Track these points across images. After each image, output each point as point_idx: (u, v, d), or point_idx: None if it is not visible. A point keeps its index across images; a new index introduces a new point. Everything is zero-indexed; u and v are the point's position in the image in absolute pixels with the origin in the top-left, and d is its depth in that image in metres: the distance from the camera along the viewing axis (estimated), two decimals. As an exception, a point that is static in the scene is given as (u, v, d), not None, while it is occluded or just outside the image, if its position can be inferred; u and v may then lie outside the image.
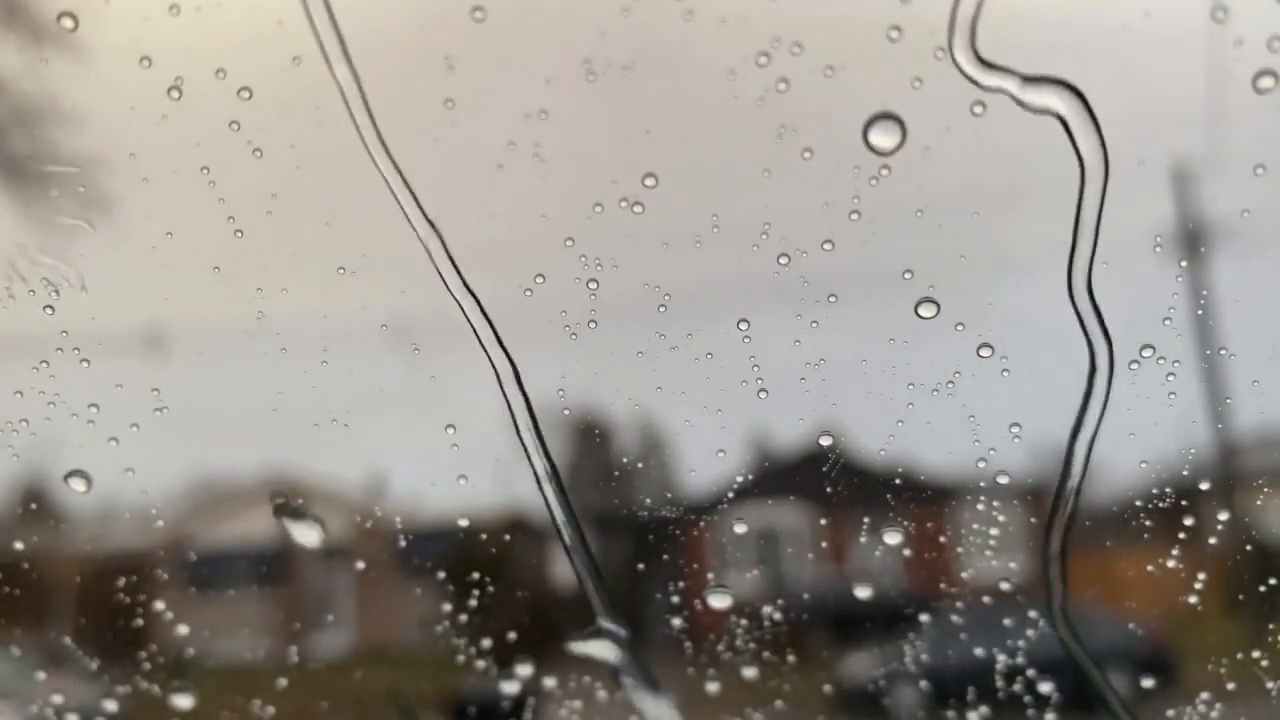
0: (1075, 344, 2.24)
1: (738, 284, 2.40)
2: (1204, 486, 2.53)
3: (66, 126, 2.31)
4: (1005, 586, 2.86)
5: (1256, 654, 2.76)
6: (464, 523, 2.84)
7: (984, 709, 3.11)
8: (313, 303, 2.27)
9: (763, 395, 2.47)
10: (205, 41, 2.02)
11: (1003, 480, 2.69)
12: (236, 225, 2.23)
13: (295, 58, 2.05)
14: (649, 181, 2.24)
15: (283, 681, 3.28)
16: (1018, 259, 2.41)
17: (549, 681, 3.09)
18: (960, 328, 2.33)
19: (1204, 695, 2.64)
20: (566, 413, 2.59)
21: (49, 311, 2.41)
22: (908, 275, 2.31)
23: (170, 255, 2.29)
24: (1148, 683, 3.00)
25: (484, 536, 3.03)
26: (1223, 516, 2.66)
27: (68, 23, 2.01)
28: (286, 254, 2.29)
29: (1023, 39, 2.00)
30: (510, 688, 2.98)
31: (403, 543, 3.24)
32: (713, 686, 3.17)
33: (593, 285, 2.33)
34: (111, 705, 3.07)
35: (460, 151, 2.22)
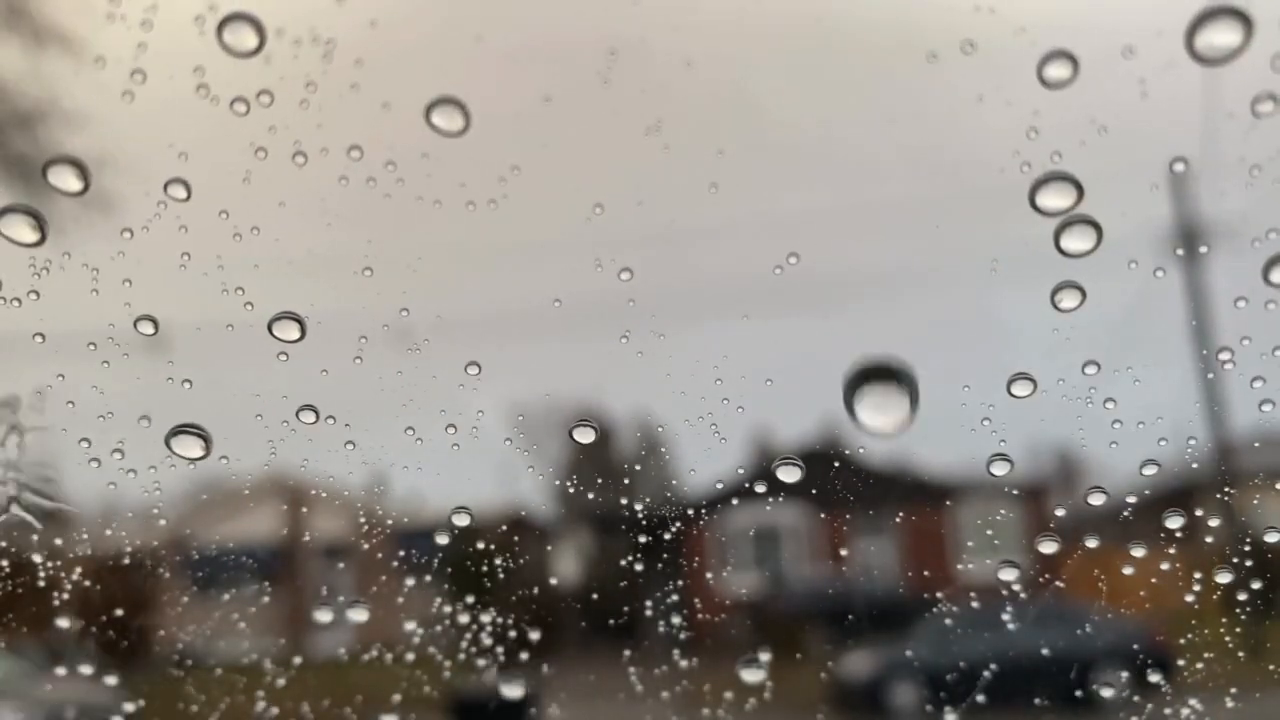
0: (1075, 343, 2.24)
1: (738, 284, 2.41)
2: (1204, 486, 2.53)
3: (66, 126, 2.32)
4: (1005, 585, 2.86)
5: (1256, 653, 2.76)
6: (464, 522, 2.84)
7: (983, 708, 3.11)
8: (313, 303, 2.27)
9: (763, 395, 2.47)
10: (207, 42, 2.02)
11: (1004, 480, 2.70)
12: (238, 225, 2.23)
13: (296, 56, 2.06)
14: (649, 181, 2.24)
15: (283, 681, 3.28)
16: (1019, 262, 2.41)
17: (549, 681, 3.09)
18: (963, 326, 2.34)
19: (1203, 694, 2.64)
20: (553, 417, 2.60)
21: (49, 312, 2.41)
22: (909, 275, 2.32)
23: (170, 255, 2.30)
24: (1146, 682, 3.00)
25: (484, 536, 3.04)
26: (1222, 516, 2.66)
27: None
28: (288, 254, 2.30)
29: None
30: (511, 688, 2.98)
31: (403, 543, 3.24)
32: (712, 687, 3.18)
33: (593, 285, 2.33)
34: (111, 705, 3.07)
35: (464, 150, 2.22)
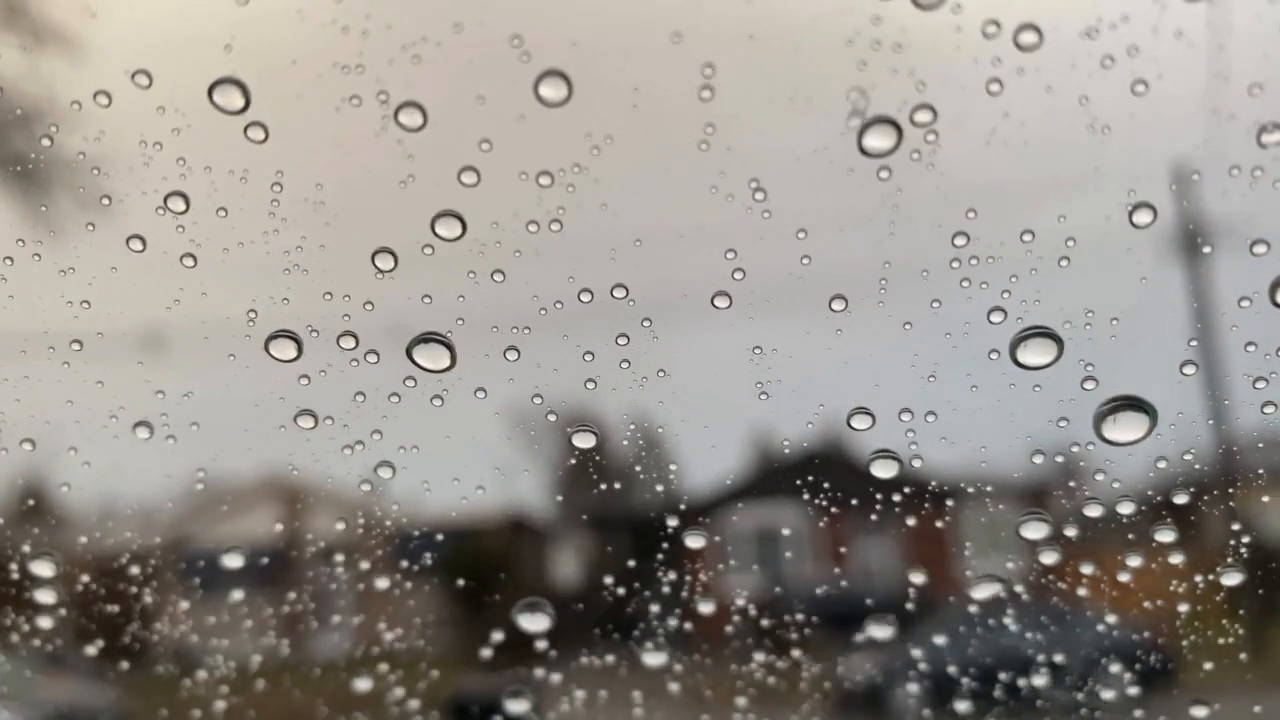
0: (1077, 343, 2.24)
1: (739, 285, 2.40)
2: (1204, 486, 2.53)
3: (66, 126, 2.31)
4: (1003, 586, 2.86)
5: (1258, 654, 2.75)
6: (464, 523, 2.84)
7: (983, 708, 3.10)
8: (314, 303, 2.26)
9: (763, 396, 2.46)
10: (207, 40, 2.02)
11: (1004, 480, 2.69)
12: (238, 225, 2.23)
13: (293, 60, 2.06)
14: (649, 180, 2.24)
15: (282, 681, 3.27)
16: (1020, 260, 2.41)
17: (549, 680, 3.09)
18: (964, 329, 2.33)
19: (1205, 696, 2.64)
20: (553, 418, 2.59)
21: (49, 312, 2.41)
22: (910, 275, 2.31)
23: (170, 255, 2.29)
24: (1148, 684, 2.99)
25: (484, 537, 3.03)
26: (1225, 518, 2.65)
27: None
28: (288, 255, 2.29)
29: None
30: (511, 688, 2.97)
31: (403, 543, 3.24)
32: (712, 686, 3.17)
33: (592, 285, 2.32)
34: (111, 705, 3.06)
35: (464, 150, 2.22)
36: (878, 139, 2.02)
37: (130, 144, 2.19)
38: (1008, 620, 3.08)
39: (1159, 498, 2.53)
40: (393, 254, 2.19)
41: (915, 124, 2.03)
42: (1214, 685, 2.75)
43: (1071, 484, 2.72)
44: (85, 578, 2.98)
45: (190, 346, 2.62)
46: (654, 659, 3.04)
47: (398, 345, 2.21)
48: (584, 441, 2.32)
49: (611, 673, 3.14)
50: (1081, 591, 2.91)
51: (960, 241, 2.25)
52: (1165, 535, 2.47)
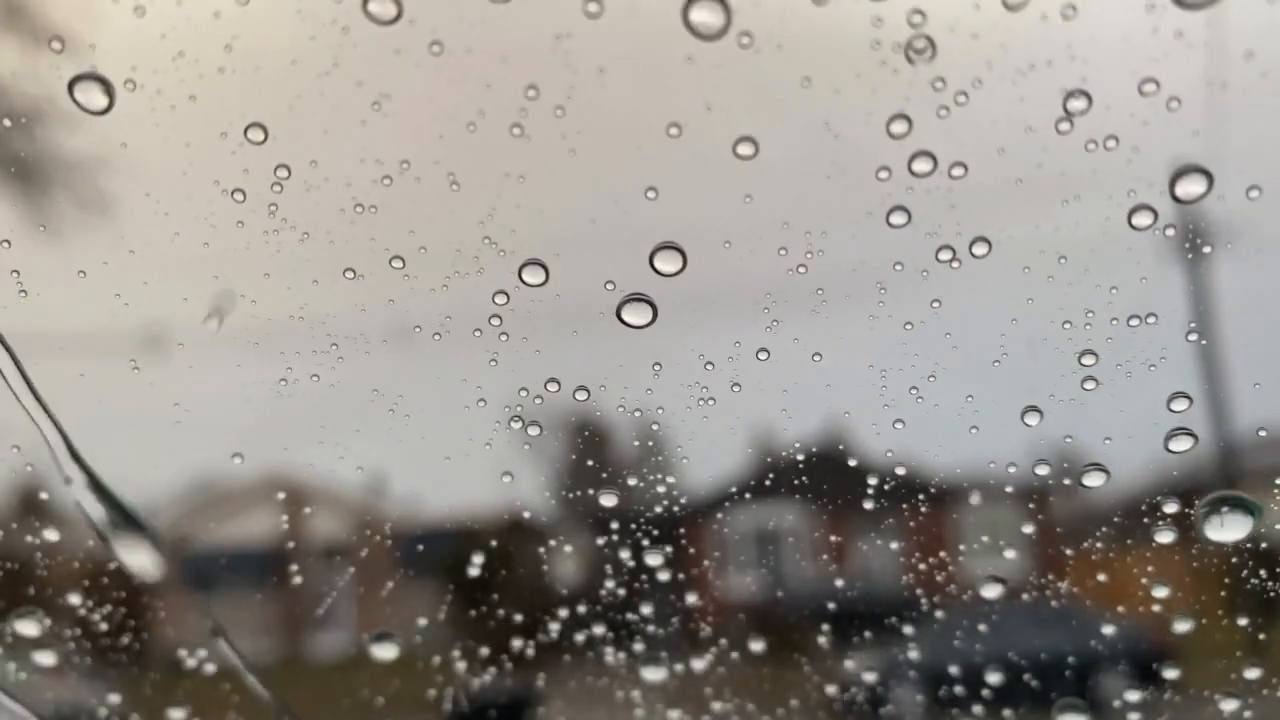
0: (1077, 343, 2.24)
1: (739, 284, 2.40)
2: (1206, 487, 2.52)
3: (66, 126, 2.32)
4: (1002, 586, 2.86)
5: (1256, 655, 2.76)
6: (463, 523, 2.84)
7: (982, 708, 3.10)
8: (314, 304, 2.27)
9: (763, 396, 2.47)
10: (207, 40, 2.02)
11: (1004, 480, 2.69)
12: (238, 226, 2.23)
13: (294, 60, 2.06)
14: (649, 179, 2.24)
15: (283, 681, 3.27)
16: (1019, 261, 2.42)
17: (549, 681, 3.09)
18: (964, 328, 2.34)
19: (1204, 695, 2.64)
20: (552, 418, 2.59)
21: (50, 312, 2.41)
22: (910, 275, 2.31)
23: (170, 255, 2.29)
24: (1147, 684, 3.00)
25: (484, 536, 3.03)
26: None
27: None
28: (289, 255, 2.29)
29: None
30: (510, 687, 2.98)
31: (403, 543, 3.24)
32: (712, 686, 3.17)
33: (593, 284, 2.33)
34: (110, 706, 3.06)
35: (466, 148, 2.22)
36: (876, 138, 2.03)
37: (130, 144, 2.19)
38: (1008, 621, 3.08)
39: (1159, 498, 2.53)
40: (392, 252, 2.19)
41: (914, 122, 2.04)
42: (1214, 685, 2.75)
43: (1071, 484, 2.72)
44: (84, 578, 2.98)
45: (190, 346, 2.62)
46: (654, 660, 3.04)
47: (398, 346, 2.22)
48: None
49: (612, 673, 3.14)
50: (1081, 592, 2.91)
51: (960, 241, 2.25)
52: (1165, 536, 2.47)
